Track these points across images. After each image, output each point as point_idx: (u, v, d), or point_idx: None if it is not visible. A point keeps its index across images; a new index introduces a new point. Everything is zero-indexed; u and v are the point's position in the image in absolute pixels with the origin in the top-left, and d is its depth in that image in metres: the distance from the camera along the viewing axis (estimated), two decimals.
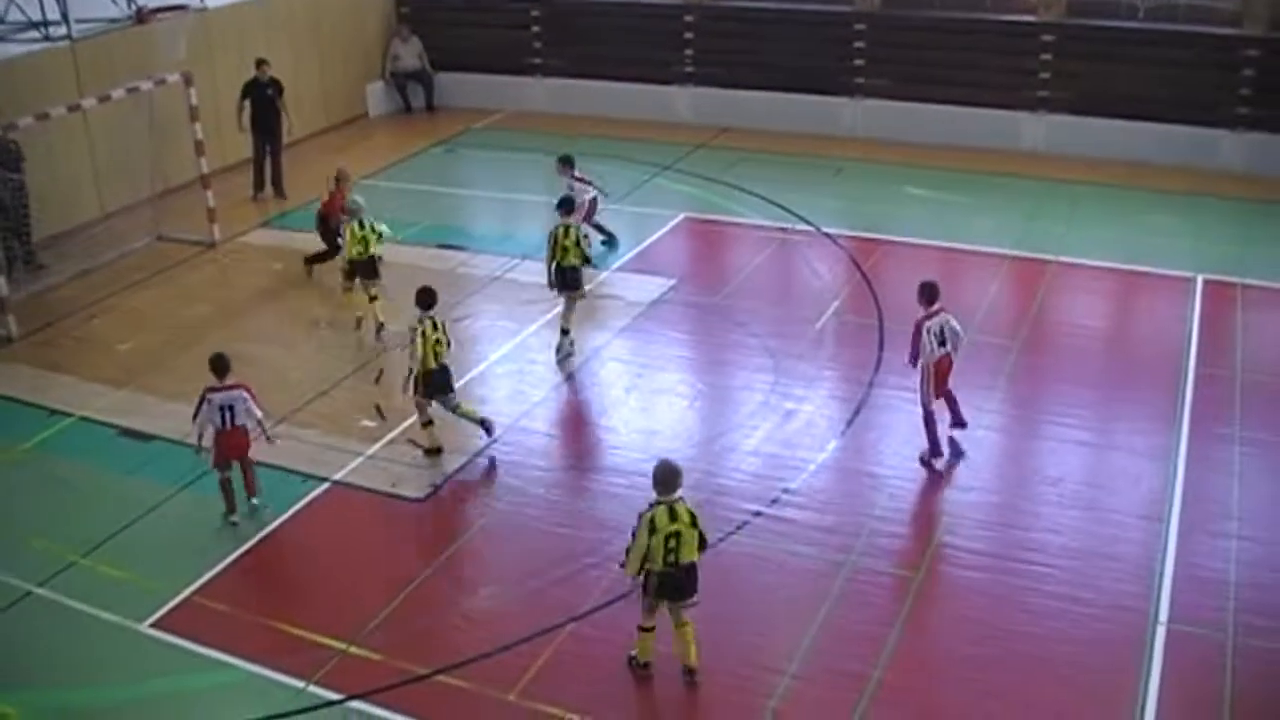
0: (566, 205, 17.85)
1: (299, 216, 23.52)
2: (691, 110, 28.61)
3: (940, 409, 14.75)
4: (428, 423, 15.35)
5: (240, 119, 24.78)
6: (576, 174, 20.32)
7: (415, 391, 15.12)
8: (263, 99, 24.73)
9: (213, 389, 13.84)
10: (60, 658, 12.25)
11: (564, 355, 17.58)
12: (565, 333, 17.65)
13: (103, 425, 16.47)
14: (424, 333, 14.85)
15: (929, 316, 14.47)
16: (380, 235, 18.63)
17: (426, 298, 15.25)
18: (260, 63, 24.75)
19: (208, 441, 13.99)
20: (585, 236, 17.75)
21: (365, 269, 18.62)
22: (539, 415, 16.26)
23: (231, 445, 14.04)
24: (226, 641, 12.19)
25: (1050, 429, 15.49)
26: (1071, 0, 25.31)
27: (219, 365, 13.94)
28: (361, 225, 18.46)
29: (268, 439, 14.39)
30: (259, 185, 25.36)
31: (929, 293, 14.61)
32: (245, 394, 14.01)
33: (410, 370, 14.99)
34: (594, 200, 20.64)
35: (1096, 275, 19.95)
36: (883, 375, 16.71)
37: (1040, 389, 16.58)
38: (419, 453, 15.30)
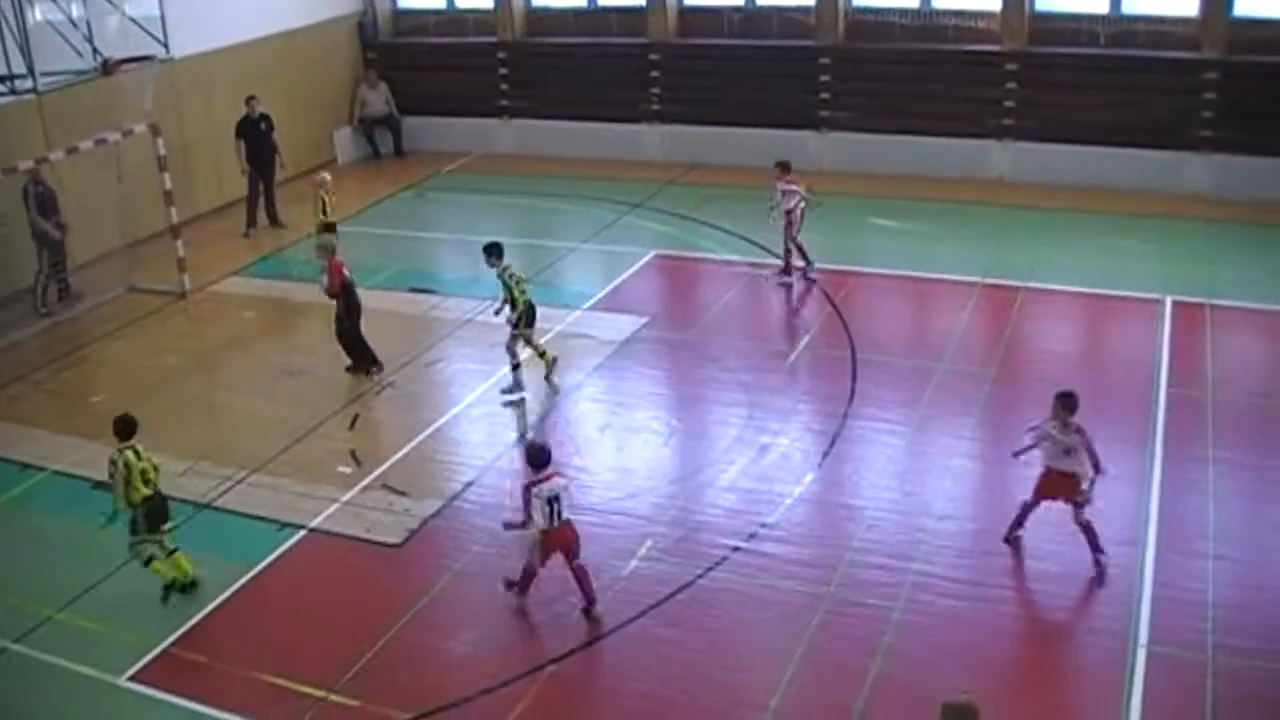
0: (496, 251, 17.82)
1: (273, 263, 23.58)
2: (659, 148, 28.72)
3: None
4: (153, 558, 13.60)
5: (241, 160, 25.45)
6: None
7: (134, 533, 13.48)
8: (256, 134, 25.45)
9: (536, 481, 12.32)
10: (38, 714, 12.15)
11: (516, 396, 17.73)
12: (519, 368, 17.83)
13: (76, 479, 16.36)
14: (126, 463, 13.21)
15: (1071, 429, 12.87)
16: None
17: (125, 428, 13.55)
18: (250, 99, 25.35)
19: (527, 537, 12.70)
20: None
21: None
22: (514, 458, 16.19)
23: (560, 539, 12.60)
24: (205, 693, 12.10)
25: (1025, 456, 15.48)
26: (1034, 29, 25.52)
27: (538, 455, 12.47)
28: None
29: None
30: (251, 222, 25.81)
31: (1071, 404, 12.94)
32: (566, 482, 12.66)
33: (115, 510, 13.47)
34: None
35: (1066, 300, 20.07)
36: (857, 407, 16.75)
37: (1015, 416, 16.51)
38: (395, 498, 15.24)
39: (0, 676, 12.74)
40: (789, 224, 20.57)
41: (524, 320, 17.61)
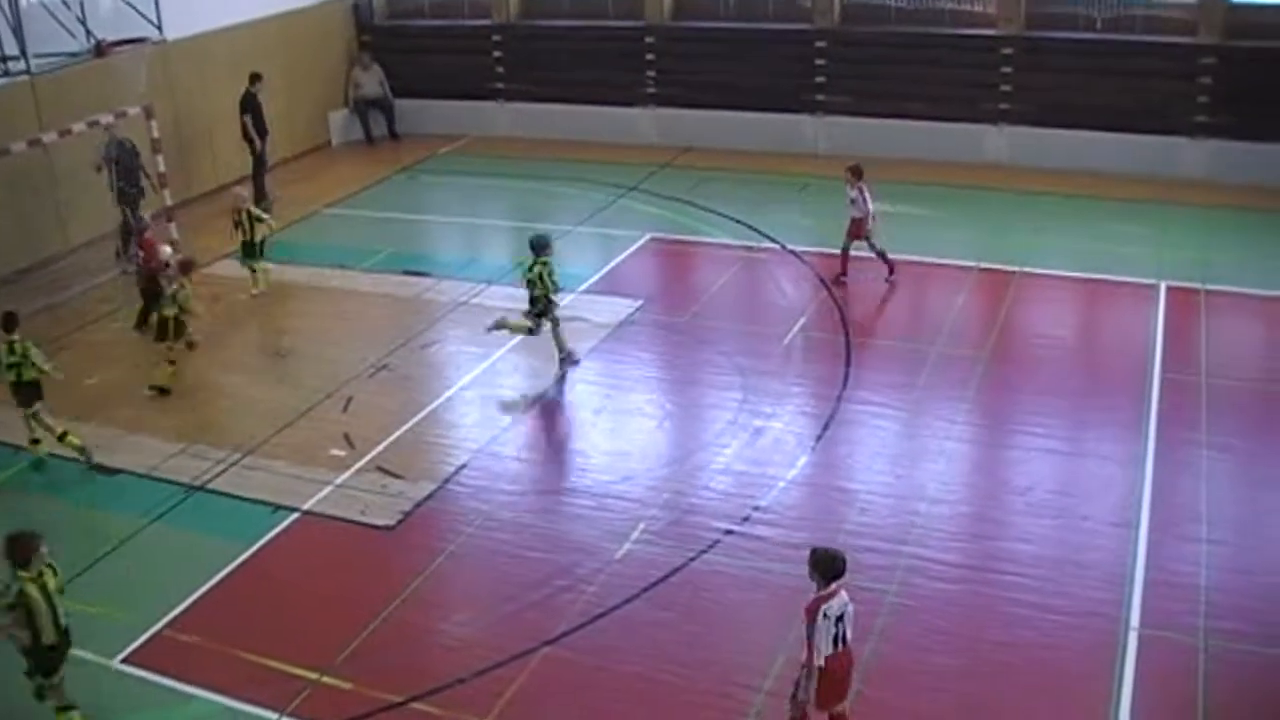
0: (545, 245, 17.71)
1: (267, 246, 23.54)
2: (655, 131, 28.68)
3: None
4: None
5: (249, 131, 25.71)
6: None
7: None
8: (259, 110, 25.78)
9: (824, 597, 9.99)
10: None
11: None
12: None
13: (69, 460, 16.35)
14: (42, 589, 10.97)
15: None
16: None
17: (21, 550, 10.86)
18: (254, 77, 25.69)
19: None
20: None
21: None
22: (508, 440, 16.21)
23: (842, 668, 10.31)
24: (199, 675, 12.10)
25: (1019, 438, 15.53)
26: (1030, 13, 25.52)
27: (833, 565, 10.06)
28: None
29: None
30: (261, 195, 25.85)
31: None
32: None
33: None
34: None
35: (1061, 285, 20.07)
36: (851, 390, 16.75)
37: (1008, 399, 16.63)
38: (389, 481, 15.24)
39: None
40: (856, 229, 20.02)
41: (542, 310, 17.65)
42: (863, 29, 26.91)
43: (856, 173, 19.89)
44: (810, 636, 9.93)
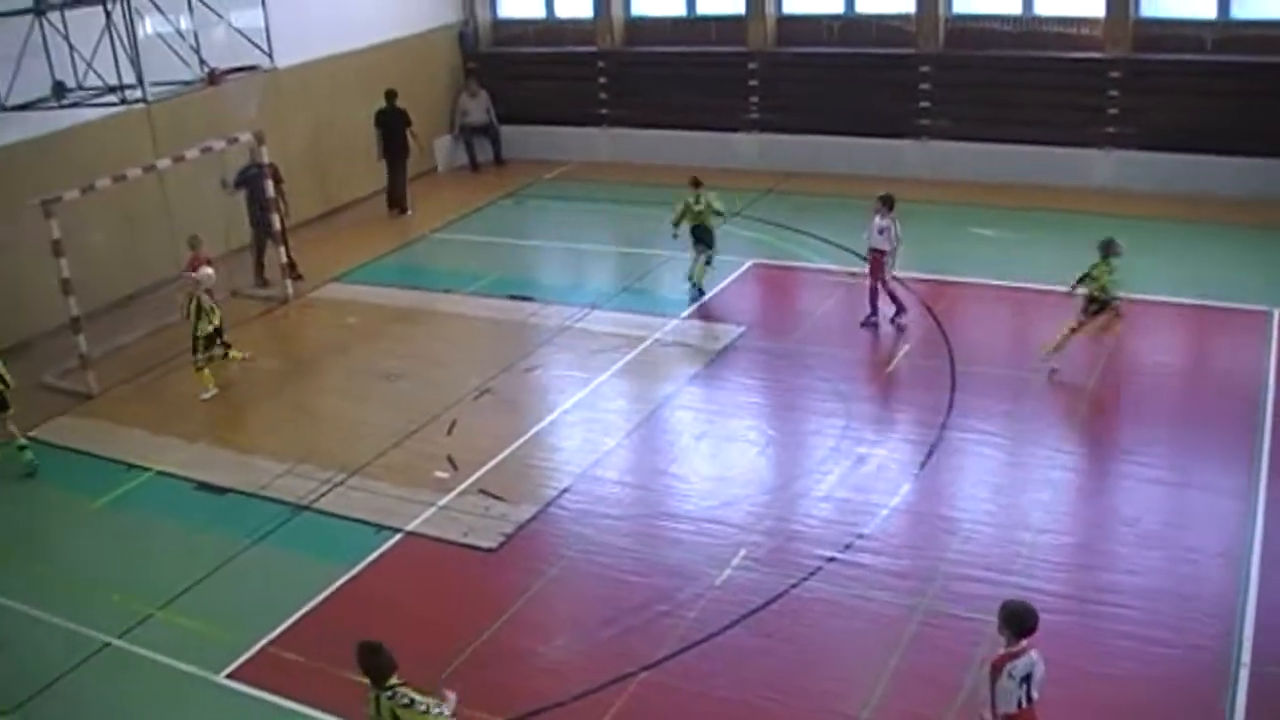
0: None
1: (374, 270, 23.91)
2: (758, 156, 28.67)
3: None
4: None
5: (378, 148, 27.27)
6: None
7: None
8: (391, 126, 27.13)
9: (1011, 654, 9.46)
10: (139, 708, 12.42)
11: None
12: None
13: (179, 479, 16.70)
14: None
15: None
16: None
17: None
18: (390, 94, 27.11)
19: None
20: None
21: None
22: (610, 464, 16.26)
23: None
24: (301, 692, 12.26)
25: (1126, 468, 15.30)
26: (1138, 35, 25.15)
27: (1025, 620, 9.48)
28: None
29: None
30: (392, 204, 27.86)
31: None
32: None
33: None
34: None
35: (1170, 311, 19.73)
36: (955, 417, 16.58)
37: (1115, 428, 16.40)
38: (492, 503, 15.33)
39: (102, 671, 12.97)
40: (878, 260, 19.63)
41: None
42: (967, 53, 26.69)
43: (888, 203, 19.54)
44: (991, 693, 9.43)
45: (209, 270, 19.77)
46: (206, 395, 18.88)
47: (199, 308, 18.63)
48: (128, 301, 22.54)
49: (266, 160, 22.79)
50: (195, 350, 18.89)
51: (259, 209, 22.95)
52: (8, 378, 17.07)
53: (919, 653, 12.16)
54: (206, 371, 18.94)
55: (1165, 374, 17.85)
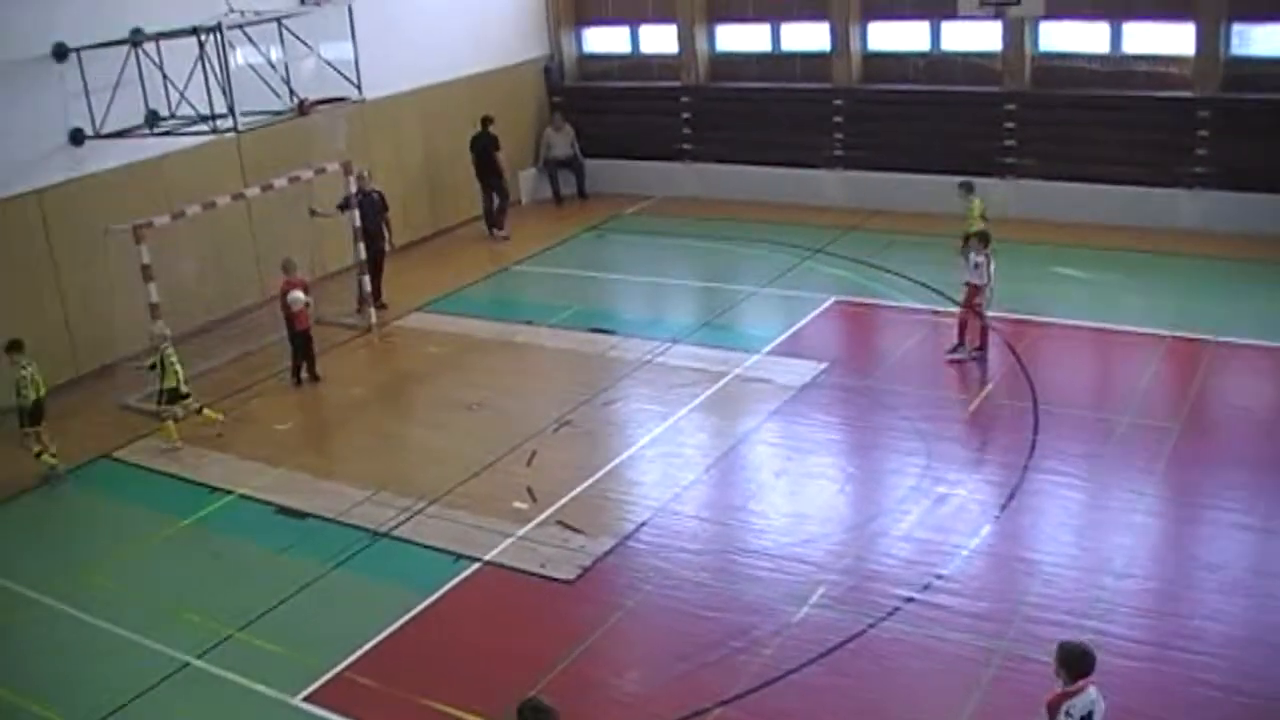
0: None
1: (457, 300, 24.08)
2: (842, 193, 28.61)
3: None
4: None
5: (474, 171, 28.29)
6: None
7: None
8: (484, 151, 28.02)
9: (1069, 694, 9.38)
10: None
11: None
12: None
13: (260, 503, 16.89)
14: None
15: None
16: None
17: None
18: (485, 120, 28.00)
19: None
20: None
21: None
22: (688, 499, 16.23)
23: None
24: (376, 717, 12.34)
25: (1211, 514, 15.05)
26: (1227, 74, 24.87)
27: (1082, 660, 9.42)
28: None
29: None
30: (490, 225, 28.69)
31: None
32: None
33: None
34: None
35: (1260, 355, 19.37)
36: (1037, 459, 16.39)
37: (1201, 473, 16.12)
38: (570, 535, 15.35)
39: (181, 690, 13.12)
40: (974, 295, 19.62)
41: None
42: (1053, 91, 26.53)
43: (983, 239, 19.54)
44: None
45: (299, 294, 20.06)
46: (166, 446, 18.76)
47: (162, 363, 18.70)
48: (213, 327, 22.86)
49: (374, 188, 23.41)
50: (159, 402, 18.95)
51: (364, 236, 23.28)
52: (42, 387, 17.81)
53: (997, 696, 12.00)
54: (170, 424, 18.87)
55: (1251, 419, 17.55)
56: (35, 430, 17.95)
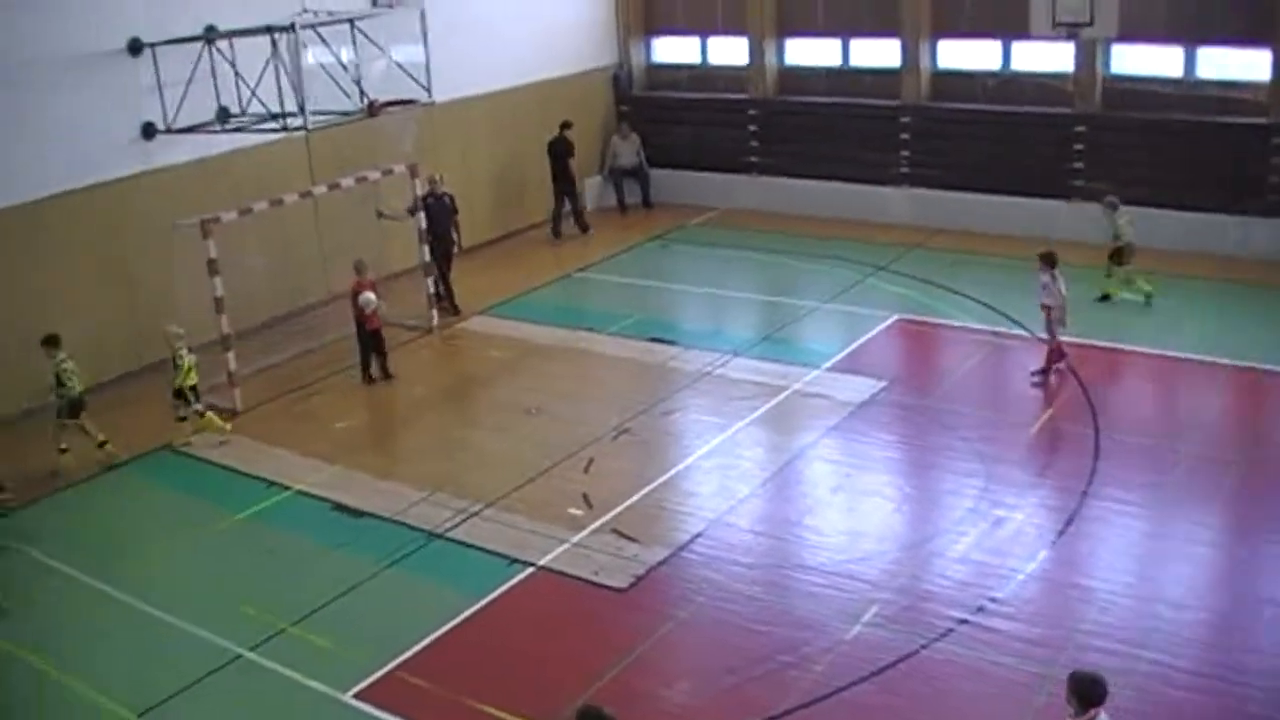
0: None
1: (519, 305, 24.16)
2: (907, 211, 28.49)
3: None
4: None
5: (558, 172, 28.92)
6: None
7: None
8: (559, 155, 28.75)
9: None
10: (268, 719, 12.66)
11: None
12: None
13: (317, 499, 17.02)
14: None
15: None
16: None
17: None
18: (563, 125, 28.83)
19: None
20: None
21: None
22: (743, 512, 16.20)
23: None
24: (425, 717, 12.39)
25: (1272, 547, 14.82)
26: None
27: (1092, 690, 9.49)
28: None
29: None
30: (556, 230, 29.27)
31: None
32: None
33: None
34: None
35: None
36: (1097, 486, 16.23)
37: (1264, 506, 15.88)
38: (624, 543, 15.36)
39: (233, 681, 13.27)
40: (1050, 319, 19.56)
41: None
42: (1125, 114, 26.28)
43: (1048, 260, 19.38)
44: None
45: (371, 295, 20.20)
46: (221, 439, 18.98)
47: (174, 362, 18.83)
48: (275, 323, 23.08)
49: (445, 191, 23.72)
50: (177, 398, 19.02)
51: (434, 238, 23.52)
52: (78, 379, 18.06)
53: None
54: (211, 416, 19.06)
55: None
56: (75, 423, 18.19)
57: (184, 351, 18.76)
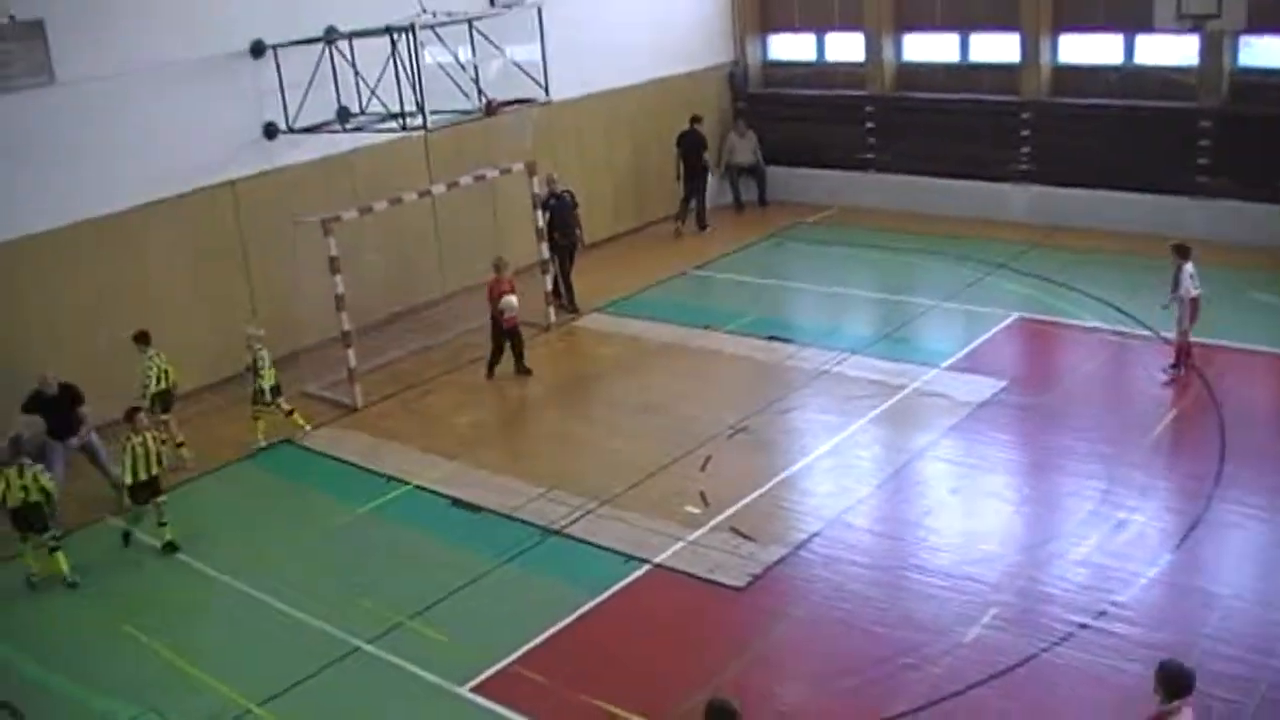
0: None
1: (635, 303, 24.23)
2: (1026, 208, 28.11)
3: None
4: None
5: (677, 167, 29.26)
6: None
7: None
8: (691, 149, 29.17)
9: (1166, 713, 9.50)
10: (384, 713, 12.81)
11: None
12: None
13: (436, 494, 17.23)
14: None
15: None
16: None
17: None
18: (694, 119, 29.23)
19: None
20: None
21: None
22: (861, 512, 16.11)
23: None
24: (541, 711, 12.48)
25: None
26: None
27: (1180, 680, 9.47)
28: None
29: None
30: (681, 219, 29.72)
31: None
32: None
33: None
34: None
35: None
36: (1223, 489, 15.89)
37: None
38: (741, 542, 15.35)
39: (351, 673, 13.48)
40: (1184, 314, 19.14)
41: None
42: (1250, 109, 25.71)
43: (1180, 252, 18.99)
44: None
45: (512, 299, 20.37)
46: (258, 445, 19.20)
47: (255, 364, 19.00)
48: (394, 320, 23.38)
49: (564, 189, 24.05)
50: (253, 401, 19.22)
51: (560, 235, 23.88)
52: (173, 377, 18.64)
53: None
54: (260, 423, 19.22)
55: None
56: (166, 418, 18.58)
57: (264, 353, 19.08)
